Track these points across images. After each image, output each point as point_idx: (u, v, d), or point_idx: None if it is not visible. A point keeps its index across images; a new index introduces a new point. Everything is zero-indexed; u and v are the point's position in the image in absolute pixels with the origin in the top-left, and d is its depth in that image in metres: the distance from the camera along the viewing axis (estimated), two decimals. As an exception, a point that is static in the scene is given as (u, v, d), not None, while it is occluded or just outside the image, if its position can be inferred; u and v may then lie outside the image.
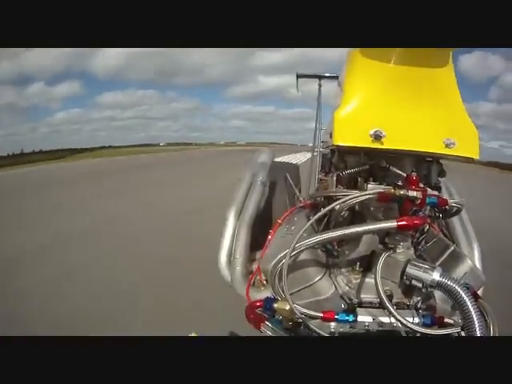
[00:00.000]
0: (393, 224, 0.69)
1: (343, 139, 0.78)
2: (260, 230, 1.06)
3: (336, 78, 1.82)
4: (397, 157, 0.82)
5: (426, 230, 0.85)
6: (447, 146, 0.75)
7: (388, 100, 0.78)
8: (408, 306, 0.77)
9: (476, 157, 0.78)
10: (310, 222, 0.77)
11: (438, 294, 0.77)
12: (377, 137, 0.74)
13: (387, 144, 0.75)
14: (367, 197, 0.74)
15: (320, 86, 1.97)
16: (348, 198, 0.74)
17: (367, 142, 0.76)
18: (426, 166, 0.87)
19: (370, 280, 0.80)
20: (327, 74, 1.95)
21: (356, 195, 0.74)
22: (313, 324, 0.74)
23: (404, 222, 0.69)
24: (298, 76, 1.97)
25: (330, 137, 0.82)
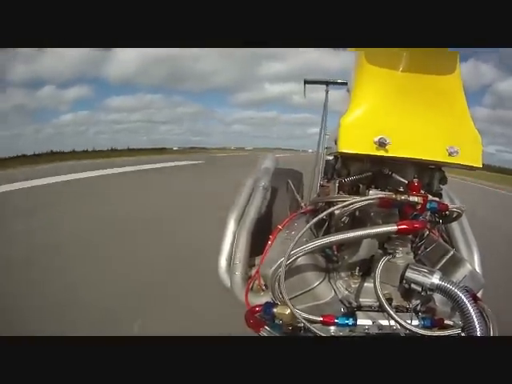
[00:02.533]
0: (393, 228, 0.69)
1: (348, 146, 0.78)
2: (260, 236, 1.06)
3: (343, 84, 1.83)
4: (400, 164, 0.82)
5: (425, 235, 0.84)
6: (450, 154, 0.75)
7: (393, 107, 0.79)
8: (407, 309, 0.77)
9: (478, 165, 0.78)
10: (308, 225, 0.77)
11: (437, 296, 0.77)
12: (381, 144, 0.75)
13: (391, 151, 0.76)
14: (368, 202, 0.74)
15: (327, 91, 1.97)
16: (348, 202, 0.74)
17: (372, 150, 0.76)
18: (428, 173, 0.88)
19: (369, 284, 0.80)
20: (334, 80, 1.96)
21: (357, 200, 0.74)
22: (312, 328, 0.73)
23: (404, 226, 0.69)
24: (306, 82, 1.98)
25: (335, 143, 0.82)
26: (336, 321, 0.75)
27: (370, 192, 0.80)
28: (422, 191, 0.78)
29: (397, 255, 0.77)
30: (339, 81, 1.95)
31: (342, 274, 0.84)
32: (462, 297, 0.62)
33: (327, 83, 2.00)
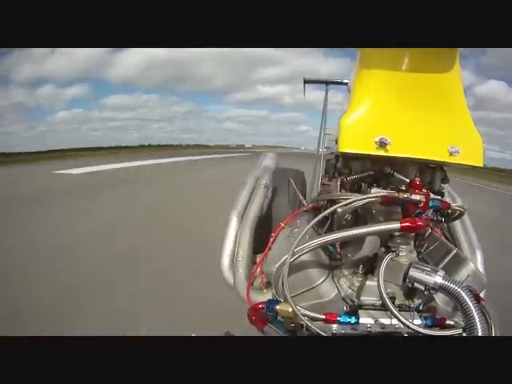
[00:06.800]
0: (396, 225, 0.70)
1: (349, 146, 0.78)
2: (262, 234, 1.06)
3: (342, 83, 1.82)
4: (401, 163, 0.82)
5: (428, 233, 0.85)
6: (451, 153, 0.75)
7: (394, 107, 0.79)
8: (410, 308, 0.77)
9: (480, 165, 0.78)
10: (312, 223, 0.77)
11: (439, 295, 0.77)
12: (382, 144, 0.75)
13: (392, 151, 0.75)
14: (370, 200, 0.74)
15: (327, 91, 1.97)
16: (351, 200, 0.75)
17: (372, 149, 0.76)
18: (430, 172, 0.88)
19: (372, 283, 0.80)
20: (334, 80, 1.95)
21: (359, 198, 0.75)
22: (315, 326, 0.73)
23: (407, 224, 0.69)
24: (306, 81, 1.97)
25: (336, 143, 0.82)
26: (338, 319, 0.75)
27: (372, 190, 0.80)
28: (424, 190, 0.78)
29: (400, 253, 0.76)
30: (339, 80, 1.94)
31: (345, 272, 0.84)
32: (465, 297, 0.62)
33: (327, 83, 1.99)
